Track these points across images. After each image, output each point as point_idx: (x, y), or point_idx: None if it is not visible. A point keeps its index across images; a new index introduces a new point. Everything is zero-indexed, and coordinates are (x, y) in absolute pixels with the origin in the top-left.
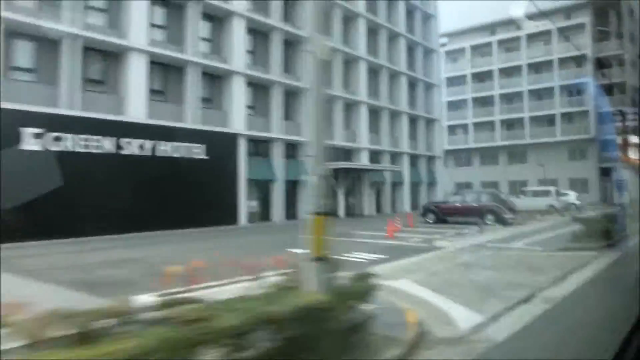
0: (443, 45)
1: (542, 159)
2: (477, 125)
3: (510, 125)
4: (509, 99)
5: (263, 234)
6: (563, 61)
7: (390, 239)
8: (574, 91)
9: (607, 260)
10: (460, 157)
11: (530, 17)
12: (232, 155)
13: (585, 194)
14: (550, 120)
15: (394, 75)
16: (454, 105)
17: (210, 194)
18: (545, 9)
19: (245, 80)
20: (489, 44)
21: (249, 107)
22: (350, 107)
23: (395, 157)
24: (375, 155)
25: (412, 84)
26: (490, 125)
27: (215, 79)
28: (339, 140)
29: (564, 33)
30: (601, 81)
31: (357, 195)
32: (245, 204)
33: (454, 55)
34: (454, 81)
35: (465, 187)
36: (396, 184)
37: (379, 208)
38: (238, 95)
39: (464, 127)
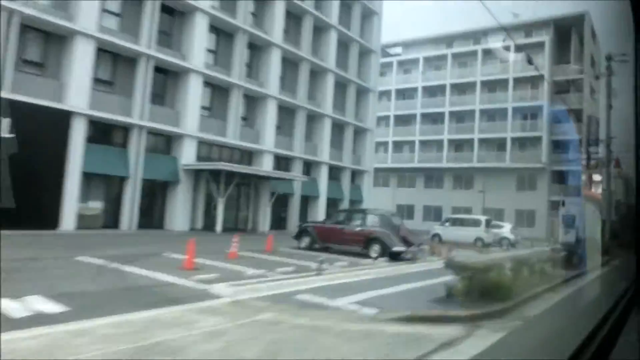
0: (397, 55)
1: (489, 185)
2: (424, 144)
3: (459, 146)
4: (460, 117)
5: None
6: (519, 81)
7: (187, 269)
8: (528, 115)
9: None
10: (403, 176)
11: (486, 32)
12: (60, 139)
13: (530, 227)
14: (501, 144)
15: (318, 72)
16: (402, 120)
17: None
18: (507, 24)
19: (95, 43)
20: (444, 57)
21: (102, 81)
22: (255, 101)
23: (311, 166)
24: (284, 162)
25: (342, 86)
26: (438, 144)
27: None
28: (235, 139)
29: (523, 51)
30: (557, 106)
31: (252, 208)
32: (74, 204)
33: (406, 66)
34: (404, 94)
35: (406, 211)
36: (310, 198)
37: (281, 224)
38: (82, 60)
39: (411, 144)
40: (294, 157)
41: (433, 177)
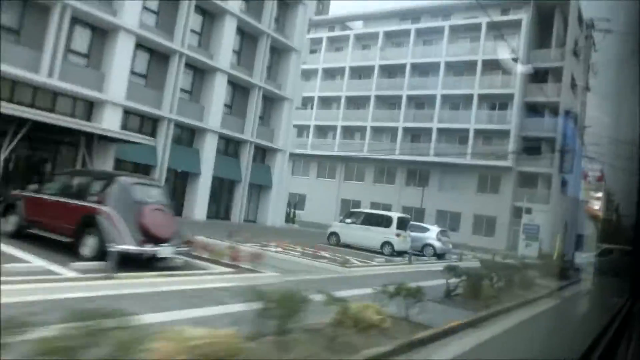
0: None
1: (446, 184)
2: (377, 131)
3: (415, 136)
4: (420, 103)
5: None
6: (489, 65)
7: None
8: (496, 104)
9: None
10: (351, 168)
11: (459, 8)
12: None
13: (489, 237)
14: (463, 137)
15: (214, 14)
16: (354, 102)
17: None
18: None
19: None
20: (407, 32)
21: None
22: (99, 33)
23: (195, 134)
24: (147, 123)
25: (251, 38)
26: (392, 132)
27: None
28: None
29: (497, 30)
30: (533, 97)
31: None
32: None
33: (365, 42)
34: (360, 73)
35: (352, 207)
36: (189, 176)
37: None
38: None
39: (362, 130)
40: (161, 117)
41: (384, 170)
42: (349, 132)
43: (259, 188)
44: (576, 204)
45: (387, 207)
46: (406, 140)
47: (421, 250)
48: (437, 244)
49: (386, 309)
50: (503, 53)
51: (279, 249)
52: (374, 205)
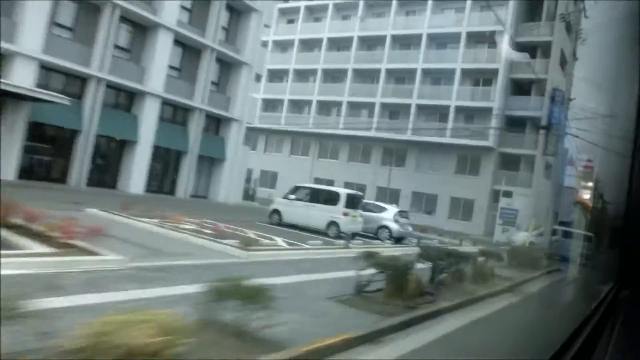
0: None
1: (423, 164)
2: (354, 107)
3: (394, 112)
4: (400, 78)
5: None
6: (473, 38)
7: None
8: (480, 80)
9: None
10: (326, 145)
11: None
12: None
13: (466, 221)
14: (443, 114)
15: None
16: (331, 76)
17: None
18: None
19: None
20: (389, 2)
21: None
22: None
23: (133, 98)
24: (74, 82)
25: None
26: (369, 108)
27: None
28: None
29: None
30: (519, 74)
31: None
32: None
33: (345, 12)
34: (339, 44)
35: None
36: (126, 143)
37: (49, 174)
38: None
39: (338, 105)
40: (90, 75)
41: (360, 148)
42: (325, 107)
43: (212, 161)
44: (562, 189)
45: (361, 188)
46: (384, 117)
47: (376, 233)
48: (394, 226)
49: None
50: (489, 25)
51: (173, 226)
52: (347, 184)
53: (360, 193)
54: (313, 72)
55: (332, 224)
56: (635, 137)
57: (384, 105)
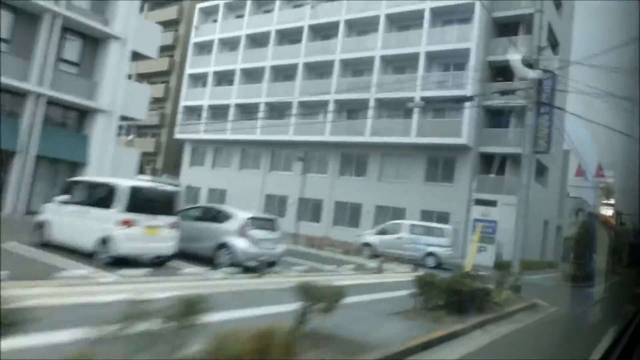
0: None
1: (388, 172)
2: (305, 107)
3: (352, 111)
4: (358, 69)
5: None
6: (439, 15)
7: None
8: (450, 65)
9: None
10: (278, 156)
11: None
12: None
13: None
14: (409, 109)
15: None
16: (282, 74)
17: None
18: None
19: None
20: None
21: None
22: None
23: None
24: None
25: None
26: (322, 107)
27: None
28: None
29: None
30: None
31: None
32: None
33: (296, 1)
34: (288, 36)
35: (279, 205)
36: None
37: None
38: None
39: (288, 107)
40: None
41: (315, 157)
42: (275, 110)
43: (65, 166)
44: (566, 200)
45: (318, 204)
46: (341, 117)
47: (212, 256)
48: (239, 245)
49: None
50: None
51: None
52: (302, 200)
53: (164, 186)
54: (260, 71)
55: (104, 242)
56: None
57: (339, 103)
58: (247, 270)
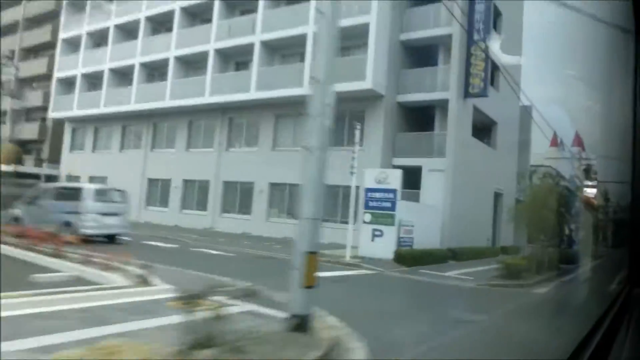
0: None
1: (284, 137)
2: (185, 63)
3: (241, 63)
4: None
5: None
6: None
7: None
8: None
9: None
10: (161, 130)
11: None
12: None
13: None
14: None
15: None
16: (163, 27)
17: None
18: None
19: None
20: None
21: None
22: None
23: None
24: None
25: None
26: (204, 60)
27: None
28: None
29: None
30: None
31: None
32: None
33: None
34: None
35: (161, 189)
36: None
37: None
38: None
39: (165, 65)
40: None
41: (201, 127)
42: (152, 71)
43: None
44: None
45: (205, 186)
46: (227, 70)
47: None
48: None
49: None
50: None
51: None
52: (187, 184)
53: None
54: (135, 23)
55: None
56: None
57: (220, 54)
58: None
